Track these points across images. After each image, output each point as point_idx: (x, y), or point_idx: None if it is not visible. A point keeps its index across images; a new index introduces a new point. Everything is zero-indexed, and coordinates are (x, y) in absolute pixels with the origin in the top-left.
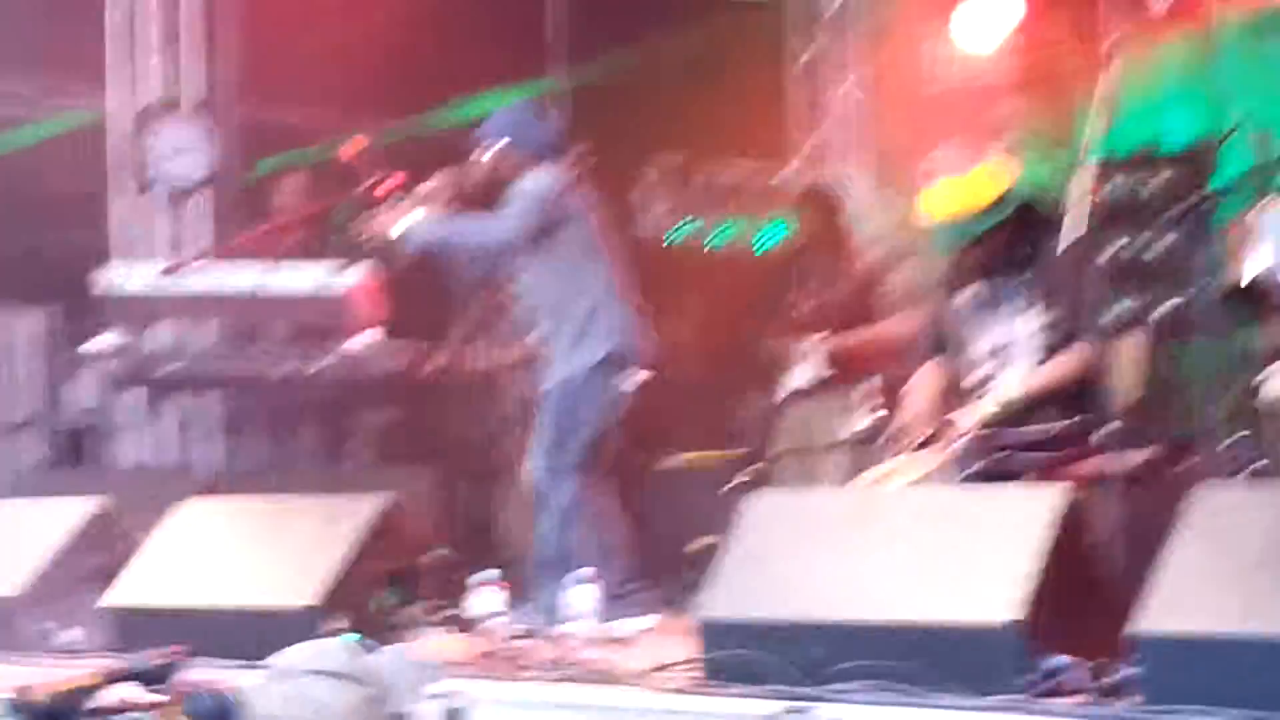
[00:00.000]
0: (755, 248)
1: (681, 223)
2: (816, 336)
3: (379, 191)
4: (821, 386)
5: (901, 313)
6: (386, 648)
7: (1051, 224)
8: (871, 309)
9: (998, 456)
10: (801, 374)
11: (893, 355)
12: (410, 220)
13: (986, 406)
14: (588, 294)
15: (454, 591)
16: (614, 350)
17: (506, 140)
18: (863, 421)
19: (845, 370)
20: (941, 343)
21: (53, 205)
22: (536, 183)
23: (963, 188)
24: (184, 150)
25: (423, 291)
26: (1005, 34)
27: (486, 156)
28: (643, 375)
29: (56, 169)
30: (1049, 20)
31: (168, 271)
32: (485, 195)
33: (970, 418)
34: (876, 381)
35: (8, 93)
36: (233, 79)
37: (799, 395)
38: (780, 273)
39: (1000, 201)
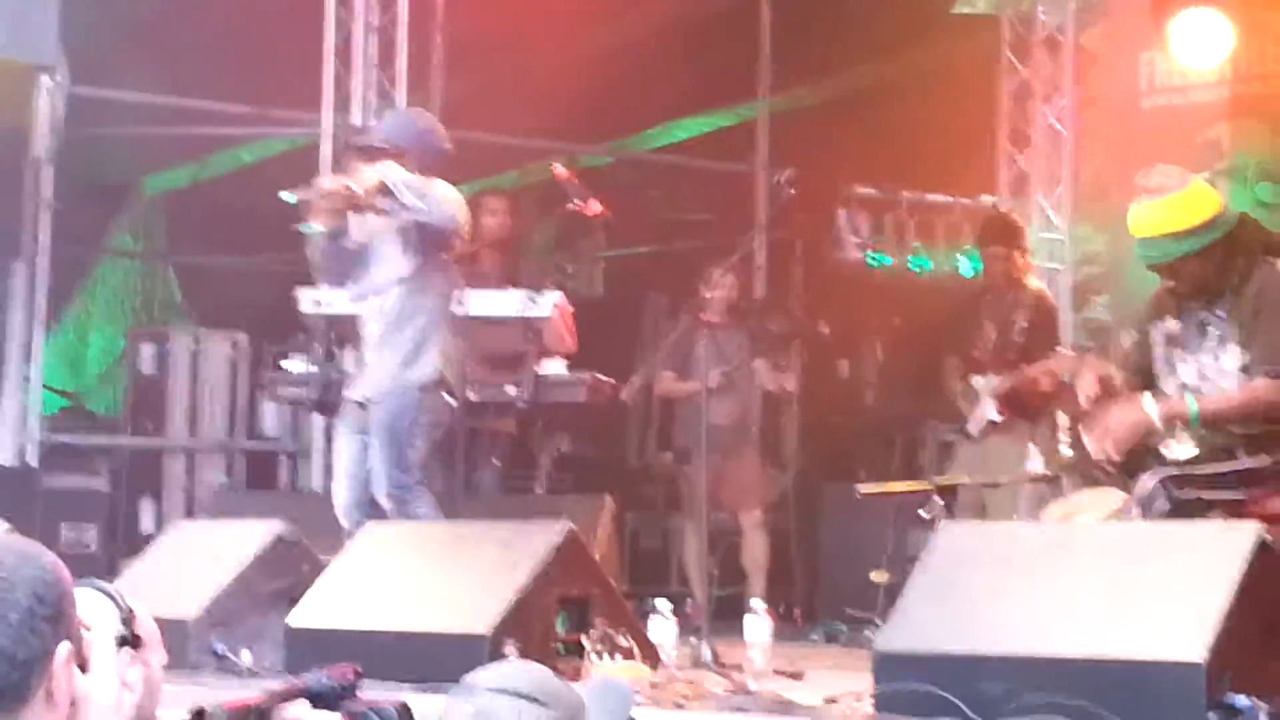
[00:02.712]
0: (951, 278)
1: (879, 250)
2: (999, 373)
3: (585, 212)
4: (997, 430)
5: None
6: (583, 678)
7: (1260, 254)
8: (1045, 347)
9: (1186, 494)
10: (987, 408)
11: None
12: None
13: (1175, 405)
14: (427, 314)
15: (629, 620)
16: (444, 375)
17: (400, 148)
18: (1049, 456)
19: (1025, 407)
20: (1140, 375)
21: (262, 227)
22: (451, 188)
23: (1172, 206)
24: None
25: (606, 322)
26: (1221, 57)
27: (380, 164)
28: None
29: (268, 190)
30: (1266, 47)
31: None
32: (376, 208)
33: (1162, 453)
34: (1064, 418)
35: (224, 113)
36: (439, 102)
37: (984, 429)
38: (968, 305)
39: (1209, 225)
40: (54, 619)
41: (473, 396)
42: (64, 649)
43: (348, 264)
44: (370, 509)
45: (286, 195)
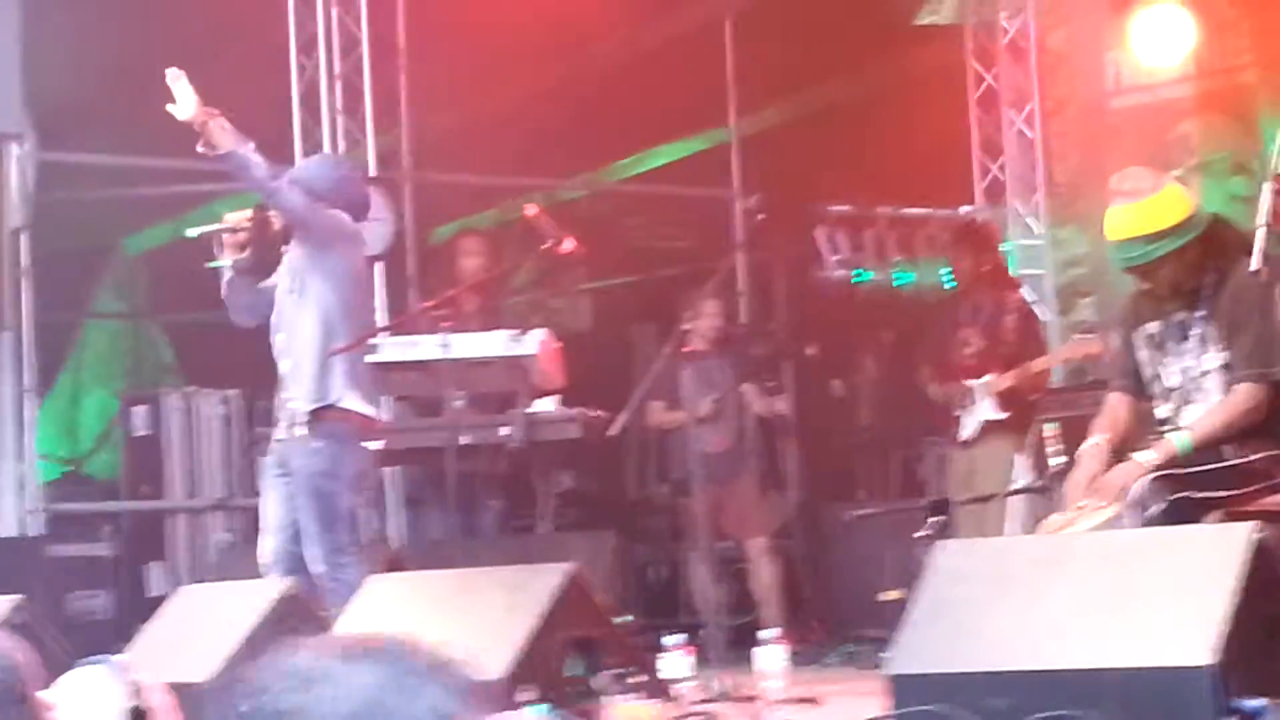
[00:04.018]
0: (935, 290)
1: (860, 267)
2: (985, 379)
3: (559, 251)
4: (996, 429)
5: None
6: None
7: (1235, 253)
8: (1034, 347)
9: (1180, 496)
10: (975, 418)
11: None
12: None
13: (1166, 447)
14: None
15: (640, 657)
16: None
17: (316, 194)
18: (1039, 467)
19: (1018, 410)
20: (1128, 379)
21: None
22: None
23: (1146, 209)
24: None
25: (596, 354)
26: (1184, 53)
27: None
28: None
29: None
30: (1227, 40)
31: (347, 347)
32: (286, 239)
33: (1151, 458)
34: (1054, 426)
35: (197, 170)
36: (408, 145)
37: (973, 440)
38: (940, 313)
39: (1183, 226)
40: (20, 701)
41: (465, 439)
42: None
43: (258, 299)
44: (299, 562)
45: (192, 231)
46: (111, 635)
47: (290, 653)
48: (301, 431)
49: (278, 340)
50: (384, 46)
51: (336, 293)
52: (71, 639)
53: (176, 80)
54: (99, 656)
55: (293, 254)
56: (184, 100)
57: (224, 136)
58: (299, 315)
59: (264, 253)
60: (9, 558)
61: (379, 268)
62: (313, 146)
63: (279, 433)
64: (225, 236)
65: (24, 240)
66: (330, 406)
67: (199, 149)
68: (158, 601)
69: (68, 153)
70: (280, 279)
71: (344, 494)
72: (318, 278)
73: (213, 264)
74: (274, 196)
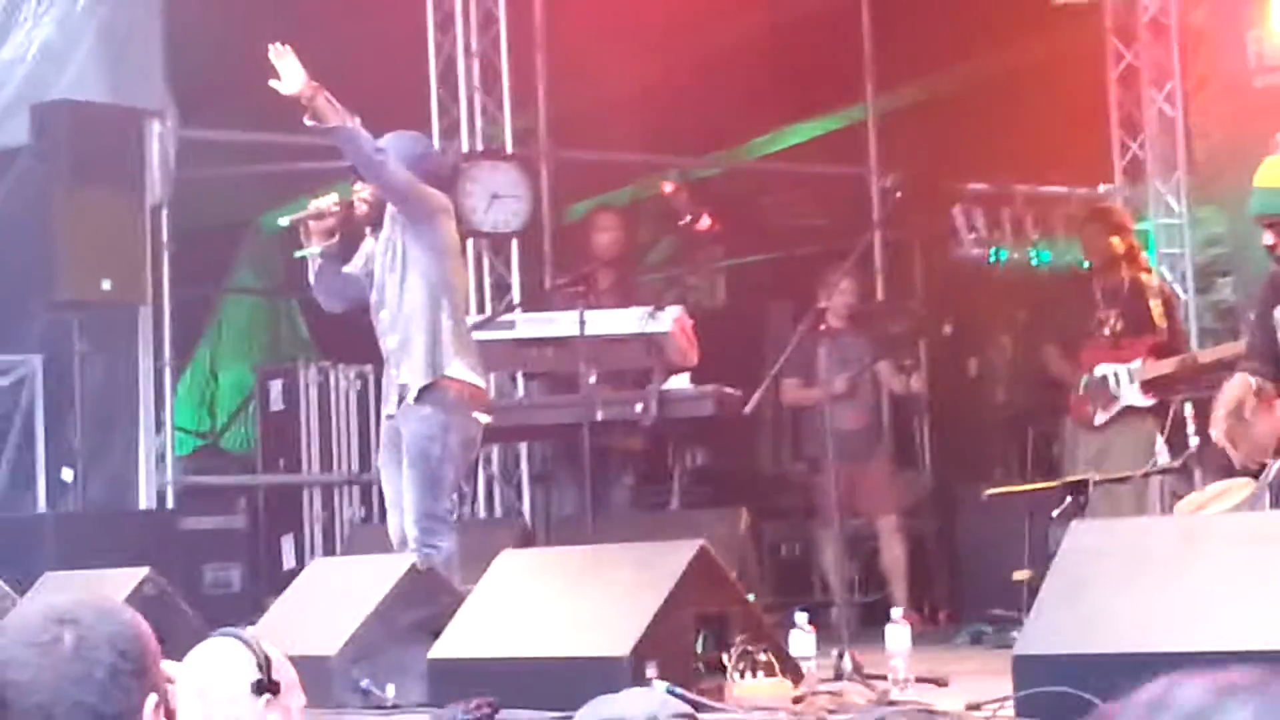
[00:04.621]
0: (1072, 269)
1: (997, 246)
2: (1134, 364)
3: (695, 228)
4: (1132, 412)
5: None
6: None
7: None
8: (1173, 330)
9: None
10: (1129, 392)
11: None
12: (309, 254)
13: None
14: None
15: (769, 635)
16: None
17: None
18: (1178, 447)
19: (1158, 393)
20: (1253, 359)
21: None
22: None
23: None
24: (502, 197)
25: (730, 332)
26: None
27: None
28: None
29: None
30: None
31: (484, 323)
32: (371, 222)
33: None
34: (1188, 408)
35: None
36: (547, 123)
37: (1111, 418)
38: (1071, 291)
39: None
40: (138, 673)
41: (599, 415)
42: (151, 701)
43: (345, 284)
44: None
45: (283, 220)
46: (247, 608)
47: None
48: (411, 401)
49: (381, 318)
50: (521, 23)
51: (439, 266)
52: (205, 611)
53: (281, 56)
54: (230, 628)
55: (389, 233)
56: (289, 75)
57: (330, 111)
58: (403, 291)
59: (350, 238)
60: (145, 530)
61: (514, 244)
62: (449, 124)
63: (388, 408)
64: (312, 223)
65: (164, 216)
66: (441, 377)
67: (305, 122)
68: (290, 575)
69: (207, 129)
70: (374, 260)
71: (447, 461)
72: (420, 252)
73: (300, 253)
74: (380, 171)
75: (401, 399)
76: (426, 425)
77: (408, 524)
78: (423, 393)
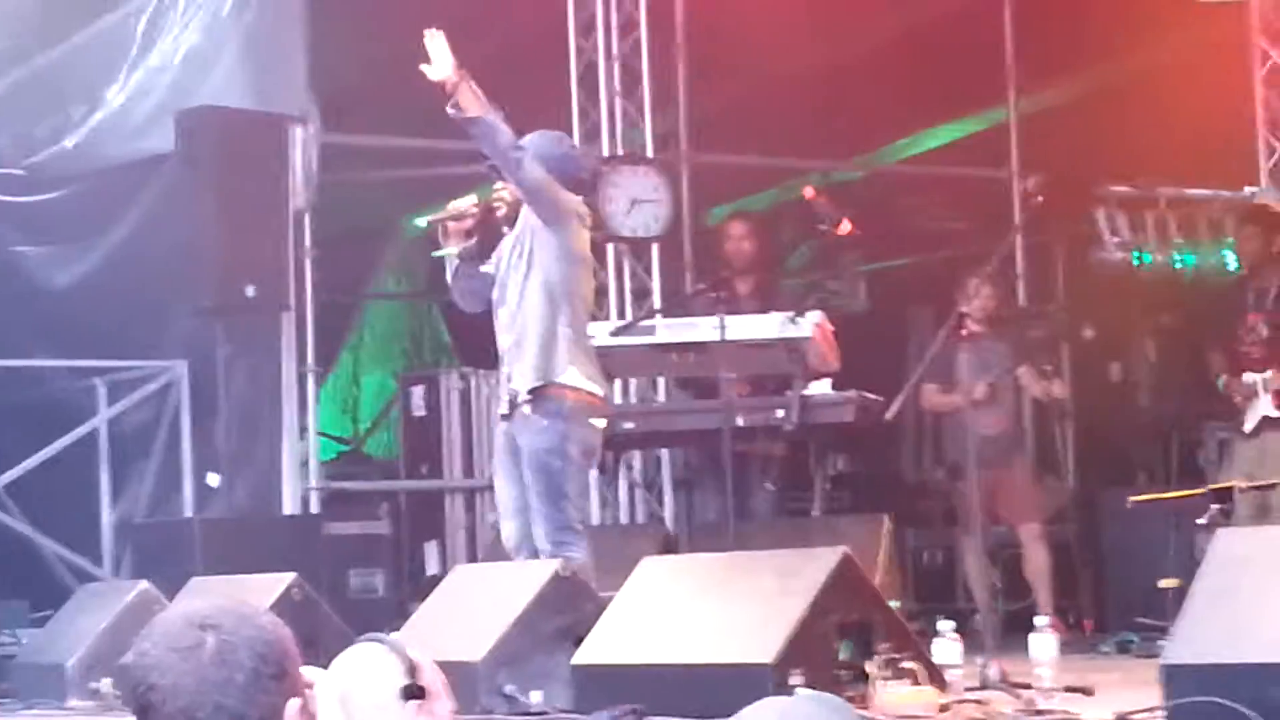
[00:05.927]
0: (1216, 273)
1: (1141, 249)
2: (1266, 374)
3: (836, 233)
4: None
5: None
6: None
7: None
8: None
9: None
10: (1263, 403)
11: None
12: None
13: None
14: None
15: (912, 643)
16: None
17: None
18: None
19: None
20: None
21: None
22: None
23: None
24: (642, 201)
25: (872, 337)
26: None
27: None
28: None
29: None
30: None
31: (624, 328)
32: (509, 222)
33: None
34: None
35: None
36: (687, 127)
37: (1259, 425)
38: (1229, 295)
39: None
40: (279, 676)
41: (740, 421)
42: (293, 705)
43: (484, 285)
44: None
45: (421, 221)
46: (391, 613)
47: None
48: (526, 410)
49: (500, 315)
50: (661, 28)
51: (561, 269)
52: (349, 616)
53: (433, 40)
54: (375, 634)
55: (519, 231)
56: (440, 60)
57: (474, 100)
58: (524, 291)
59: (488, 239)
60: (290, 535)
61: (655, 249)
62: (590, 128)
63: (502, 408)
64: (450, 225)
65: (307, 221)
66: (553, 384)
67: (448, 110)
68: (434, 580)
69: (350, 135)
70: (501, 258)
71: (570, 472)
72: (545, 253)
73: (438, 253)
74: (515, 166)
75: (514, 403)
76: (545, 437)
77: (538, 537)
78: (537, 401)
